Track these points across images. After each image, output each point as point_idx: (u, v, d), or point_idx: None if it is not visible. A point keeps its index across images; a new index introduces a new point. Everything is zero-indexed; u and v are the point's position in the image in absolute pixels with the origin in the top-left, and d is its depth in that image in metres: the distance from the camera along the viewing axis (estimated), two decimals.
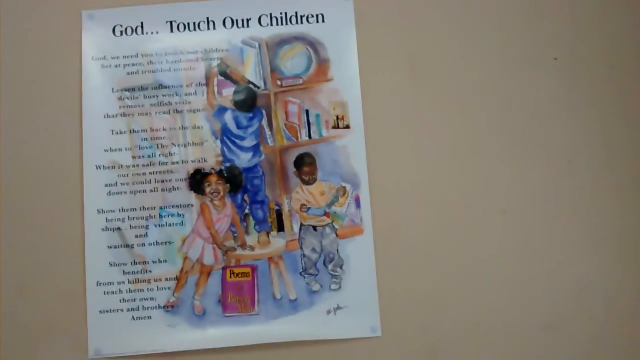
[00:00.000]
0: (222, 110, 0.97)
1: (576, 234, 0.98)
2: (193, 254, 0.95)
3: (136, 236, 0.95)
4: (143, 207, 0.95)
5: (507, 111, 0.99)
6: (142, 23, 0.98)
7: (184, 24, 0.99)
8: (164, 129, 0.97)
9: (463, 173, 0.98)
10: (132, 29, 0.98)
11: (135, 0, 0.99)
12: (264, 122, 0.98)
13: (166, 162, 0.96)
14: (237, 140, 0.97)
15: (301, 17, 0.99)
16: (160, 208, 0.95)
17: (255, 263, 0.95)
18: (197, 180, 0.96)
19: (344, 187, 0.96)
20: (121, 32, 0.98)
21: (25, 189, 0.95)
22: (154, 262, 0.94)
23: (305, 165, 0.97)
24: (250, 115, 0.98)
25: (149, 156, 0.96)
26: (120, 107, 0.97)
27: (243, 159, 0.97)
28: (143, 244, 0.95)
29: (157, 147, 0.96)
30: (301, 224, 0.96)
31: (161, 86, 0.97)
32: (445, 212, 0.97)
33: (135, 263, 0.94)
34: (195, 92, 0.97)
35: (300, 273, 0.95)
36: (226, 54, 0.98)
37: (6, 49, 0.97)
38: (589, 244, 0.98)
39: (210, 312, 0.94)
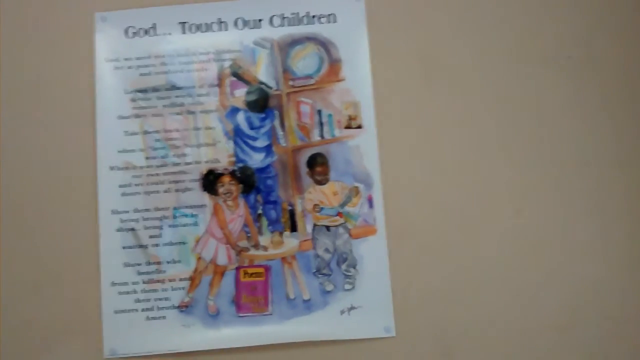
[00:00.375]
0: (234, 111, 0.98)
1: (590, 234, 0.97)
2: (207, 254, 0.95)
3: (150, 237, 0.95)
4: (157, 207, 0.96)
5: (520, 110, 0.99)
6: (154, 24, 0.99)
7: (196, 25, 0.99)
8: (177, 130, 0.97)
9: (476, 173, 0.97)
10: (144, 30, 0.99)
11: (148, 2, 0.99)
12: (277, 123, 0.98)
13: (179, 163, 0.97)
14: (249, 141, 0.97)
15: (313, 17, 0.99)
16: (174, 209, 0.96)
17: (268, 263, 0.95)
18: (210, 181, 0.96)
19: (357, 187, 0.97)
20: (134, 33, 0.99)
21: (40, 190, 0.96)
22: (168, 262, 0.95)
23: (318, 165, 0.97)
24: (263, 115, 0.98)
25: (162, 157, 0.97)
26: (133, 108, 0.97)
27: (256, 160, 0.97)
28: (157, 245, 0.95)
29: (170, 148, 0.97)
30: (314, 224, 0.97)
31: (174, 87, 0.98)
32: (458, 212, 0.97)
33: (149, 263, 0.95)
34: (208, 93, 0.98)
35: (313, 273, 0.95)
36: (238, 54, 0.99)
37: (21, 51, 0.98)
38: (602, 244, 0.97)
39: (224, 312, 0.94)
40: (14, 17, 0.99)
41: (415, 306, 0.95)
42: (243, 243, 0.96)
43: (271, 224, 0.97)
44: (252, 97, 0.98)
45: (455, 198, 0.97)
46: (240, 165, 0.97)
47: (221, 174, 0.96)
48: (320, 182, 0.97)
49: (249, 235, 0.96)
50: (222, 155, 0.97)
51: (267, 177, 0.97)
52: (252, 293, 0.95)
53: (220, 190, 0.96)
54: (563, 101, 0.99)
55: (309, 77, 0.99)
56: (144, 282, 0.95)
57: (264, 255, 0.96)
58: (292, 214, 0.97)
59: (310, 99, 0.98)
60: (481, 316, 0.95)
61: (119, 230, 0.95)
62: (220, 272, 0.95)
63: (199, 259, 0.95)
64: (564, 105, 0.99)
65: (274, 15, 0.99)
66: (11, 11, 0.99)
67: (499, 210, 0.97)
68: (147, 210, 0.96)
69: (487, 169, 0.97)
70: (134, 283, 0.94)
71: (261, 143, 0.98)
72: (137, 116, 0.97)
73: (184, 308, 0.94)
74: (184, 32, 0.99)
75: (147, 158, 0.97)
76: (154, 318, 0.94)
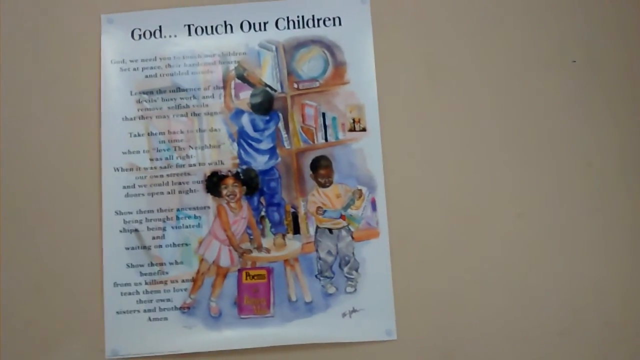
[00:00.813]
0: (239, 113, 0.98)
1: (592, 237, 0.97)
2: (209, 255, 0.95)
3: (153, 238, 0.95)
4: (160, 209, 0.96)
5: (525, 113, 0.98)
6: (160, 27, 0.99)
7: (201, 28, 1.00)
8: (181, 132, 0.97)
9: (480, 176, 0.97)
10: (150, 32, 0.99)
11: (154, 4, 1.00)
12: (281, 125, 0.98)
13: (183, 165, 0.97)
14: (253, 143, 0.97)
15: (318, 20, 1.00)
16: (177, 210, 0.96)
17: (271, 265, 0.95)
18: (214, 183, 0.96)
19: (360, 190, 0.96)
20: (140, 35, 0.99)
21: (44, 190, 0.96)
22: (170, 263, 0.95)
23: (322, 168, 0.97)
24: (267, 118, 0.98)
25: (166, 158, 0.97)
26: (138, 110, 0.98)
27: (259, 162, 0.97)
28: (160, 246, 0.95)
29: (175, 149, 0.97)
30: (317, 227, 0.97)
31: (179, 89, 0.98)
32: (462, 215, 0.96)
33: (152, 264, 0.95)
34: (213, 95, 0.98)
35: (315, 276, 0.95)
36: (243, 57, 0.99)
37: (27, 52, 0.99)
38: (604, 247, 0.97)
39: (226, 313, 0.94)
40: (20, 18, 0.99)
41: (417, 309, 0.94)
42: (246, 245, 0.96)
43: (274, 226, 0.97)
44: (257, 100, 0.98)
45: (458, 201, 0.96)
46: (244, 167, 0.97)
47: (225, 176, 0.97)
48: (323, 185, 0.97)
49: (251, 237, 0.96)
50: (226, 157, 0.97)
51: (271, 179, 0.97)
52: (254, 295, 0.94)
53: (224, 192, 0.96)
54: (566, 103, 0.99)
55: (314, 79, 0.99)
56: (146, 283, 0.95)
57: (267, 257, 0.96)
58: (295, 217, 0.97)
59: (314, 101, 0.98)
60: (483, 320, 0.95)
61: (122, 231, 0.95)
62: (222, 273, 0.95)
63: (202, 260, 0.95)
64: (567, 107, 0.99)
65: (279, 18, 1.00)
66: (17, 12, 0.99)
67: (501, 213, 0.97)
68: (150, 211, 0.96)
69: (490, 172, 0.97)
70: (136, 284, 0.95)
71: (265, 145, 0.98)
72: (142, 118, 0.98)
73: (186, 309, 0.94)
74: (189, 35, 1.00)
75: (151, 159, 0.97)
76: (156, 319, 0.94)
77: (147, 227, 0.96)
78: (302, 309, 0.94)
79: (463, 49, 1.00)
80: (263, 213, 0.97)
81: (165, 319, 0.94)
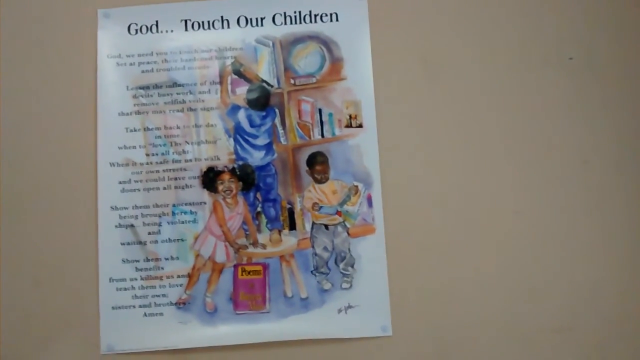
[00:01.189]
0: (235, 108, 0.98)
1: (589, 235, 0.97)
2: (205, 251, 0.95)
3: (149, 233, 0.95)
4: (156, 204, 0.96)
5: (521, 111, 0.98)
6: (157, 22, 0.99)
7: (198, 23, 0.99)
8: (177, 127, 0.97)
9: (476, 173, 0.97)
10: (147, 27, 0.99)
11: None
12: (277, 121, 0.98)
13: (179, 160, 0.97)
14: (250, 139, 0.97)
15: (315, 16, 0.99)
16: (173, 205, 0.96)
17: (266, 261, 0.95)
18: (210, 178, 0.96)
19: (356, 186, 0.96)
20: (136, 30, 0.99)
21: (40, 185, 0.96)
22: (166, 259, 0.95)
23: (318, 164, 0.97)
24: (264, 113, 0.98)
25: (162, 154, 0.97)
26: (134, 105, 0.98)
27: (256, 157, 0.97)
28: (156, 241, 0.95)
29: (171, 145, 0.97)
30: (313, 223, 0.96)
31: (175, 84, 0.98)
32: (458, 212, 0.96)
33: (148, 260, 0.95)
34: (209, 90, 0.98)
35: (311, 272, 0.95)
36: (240, 52, 0.99)
37: (23, 46, 0.98)
38: (602, 245, 0.97)
39: (221, 309, 0.94)
40: (17, 13, 0.99)
41: (412, 306, 0.94)
42: (242, 241, 0.96)
43: (270, 222, 0.97)
44: (253, 95, 0.98)
45: (454, 198, 0.97)
46: (241, 163, 0.97)
47: (221, 172, 0.96)
48: (319, 181, 0.97)
49: (247, 233, 0.96)
50: (222, 153, 0.97)
51: (267, 175, 0.97)
52: (250, 291, 0.94)
53: (220, 187, 0.96)
54: (564, 101, 0.99)
55: (311, 75, 0.99)
56: (142, 279, 0.95)
57: (263, 253, 0.96)
58: (291, 212, 0.97)
59: (311, 97, 0.98)
60: (478, 316, 0.95)
61: (117, 226, 0.95)
62: (218, 269, 0.95)
63: (198, 256, 0.95)
64: (565, 105, 0.99)
65: (276, 14, 1.00)
66: (14, 7, 0.99)
67: (498, 210, 0.97)
68: (146, 206, 0.96)
69: (486, 169, 0.97)
70: (132, 279, 0.94)
71: (261, 141, 0.98)
72: (138, 113, 0.97)
73: (181, 305, 0.94)
74: (186, 30, 0.99)
75: (147, 155, 0.97)
76: (151, 314, 0.94)
77: (143, 223, 0.95)
78: (297, 305, 0.94)
79: (459, 45, 1.00)
80: (259, 209, 0.97)
81: (161, 314, 0.94)
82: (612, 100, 0.99)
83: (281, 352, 0.93)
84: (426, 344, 0.94)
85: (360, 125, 0.97)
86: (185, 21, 0.99)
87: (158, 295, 0.94)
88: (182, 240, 0.95)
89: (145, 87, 0.98)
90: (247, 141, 0.97)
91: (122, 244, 0.95)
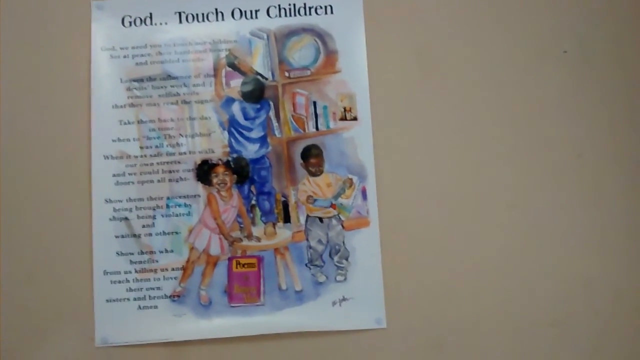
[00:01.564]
0: (229, 101, 0.98)
1: (583, 229, 0.97)
2: (200, 244, 0.95)
3: (143, 226, 0.95)
4: (150, 197, 0.96)
5: (516, 104, 0.98)
6: (151, 14, 0.99)
7: (192, 15, 0.99)
8: (171, 120, 0.97)
9: (470, 167, 0.97)
10: (141, 19, 0.99)
11: None
12: (272, 114, 0.98)
13: (174, 153, 0.96)
14: (244, 132, 0.97)
15: (310, 8, 0.99)
16: (168, 198, 0.96)
17: (261, 254, 0.95)
18: (204, 171, 0.96)
19: (351, 179, 0.96)
20: (130, 22, 0.99)
21: (33, 178, 0.96)
22: (160, 252, 0.95)
23: (312, 157, 0.97)
24: (258, 106, 0.98)
25: (156, 146, 0.96)
26: (128, 97, 0.97)
27: (250, 150, 0.97)
28: (150, 234, 0.95)
29: (165, 137, 0.97)
30: (307, 216, 0.97)
31: (169, 77, 0.98)
32: (452, 205, 0.97)
33: (142, 253, 0.95)
34: (203, 83, 0.98)
35: (306, 264, 0.95)
36: (234, 45, 0.99)
37: (16, 39, 0.98)
38: (596, 239, 0.97)
39: (216, 302, 0.94)
40: (10, 5, 0.98)
41: (406, 298, 0.95)
42: (236, 233, 0.96)
43: (264, 215, 0.97)
44: (248, 88, 0.98)
45: (449, 191, 0.97)
46: (235, 155, 0.97)
47: (215, 165, 0.96)
48: (314, 174, 0.97)
49: (242, 225, 0.96)
50: (216, 146, 0.97)
51: (262, 168, 0.97)
52: (245, 283, 0.95)
53: (215, 180, 0.96)
54: (559, 95, 0.99)
55: (305, 68, 0.98)
56: (136, 272, 0.94)
57: (257, 245, 0.96)
58: (285, 205, 0.97)
59: (305, 90, 0.98)
60: (472, 309, 0.95)
61: (112, 219, 0.95)
62: (212, 262, 0.95)
63: (192, 248, 0.95)
64: (560, 99, 0.99)
65: (270, 6, 0.99)
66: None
67: (492, 204, 0.97)
68: (140, 199, 0.96)
69: (481, 163, 0.97)
70: (126, 272, 0.94)
71: (256, 134, 0.97)
72: (132, 105, 0.97)
73: (176, 298, 0.94)
74: (180, 22, 0.99)
75: (141, 147, 0.96)
76: (145, 307, 0.94)
77: (137, 216, 0.95)
78: (292, 298, 0.94)
79: (454, 38, 1.00)
80: (253, 202, 0.97)
81: (155, 307, 0.94)
82: (606, 94, 0.99)
83: (276, 345, 0.94)
84: (420, 336, 0.95)
85: (354, 118, 0.97)
86: (180, 13, 0.99)
87: (152, 288, 0.94)
88: (177, 233, 0.95)
89: (139, 80, 0.98)
90: (241, 134, 0.97)
91: (117, 236, 0.95)
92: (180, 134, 0.97)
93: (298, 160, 0.97)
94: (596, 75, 0.99)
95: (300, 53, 0.99)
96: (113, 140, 0.96)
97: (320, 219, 0.96)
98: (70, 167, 0.96)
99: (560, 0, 1.00)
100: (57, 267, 0.95)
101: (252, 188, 0.97)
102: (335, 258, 0.95)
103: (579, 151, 0.98)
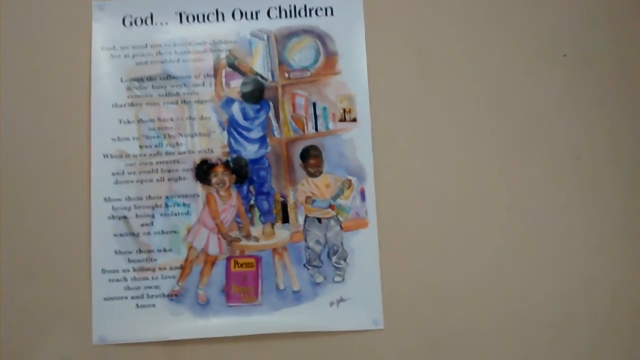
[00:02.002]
0: (229, 101, 0.98)
1: (582, 231, 0.97)
2: (198, 243, 0.95)
3: (142, 225, 0.95)
4: (149, 196, 0.96)
5: (515, 107, 0.99)
6: (151, 14, 0.99)
7: (193, 16, 0.99)
8: (171, 119, 0.97)
9: (469, 168, 0.97)
10: (141, 19, 0.99)
11: None
12: (271, 114, 0.98)
13: (173, 152, 0.97)
14: (243, 132, 0.97)
15: (310, 10, 0.99)
16: (167, 197, 0.96)
17: (259, 254, 0.95)
18: (203, 171, 0.96)
19: (350, 180, 0.97)
20: (131, 22, 0.99)
21: (33, 176, 0.96)
22: (159, 251, 0.95)
23: (311, 157, 0.97)
24: (258, 107, 0.98)
25: (156, 146, 0.97)
26: (128, 97, 0.97)
27: (249, 151, 0.97)
28: (149, 233, 0.95)
29: (165, 137, 0.97)
30: (306, 216, 0.97)
31: (169, 77, 0.98)
32: (451, 207, 0.97)
33: (140, 251, 0.95)
34: (203, 83, 0.98)
35: (304, 265, 0.95)
36: (235, 45, 0.99)
37: (17, 38, 0.98)
38: (595, 240, 0.97)
39: (213, 301, 0.94)
40: (11, 4, 0.99)
41: (404, 299, 0.95)
42: (234, 233, 0.96)
43: (263, 215, 0.97)
44: (248, 88, 0.98)
45: (447, 193, 0.97)
46: (234, 155, 0.97)
47: (214, 164, 0.96)
48: (313, 175, 0.97)
49: (240, 225, 0.96)
50: (216, 146, 0.97)
51: (261, 168, 0.97)
52: (243, 283, 0.95)
53: (213, 180, 0.96)
54: (556, 97, 0.99)
55: (305, 69, 0.99)
56: (134, 270, 0.95)
57: (255, 245, 0.96)
58: (284, 206, 0.97)
59: (305, 91, 0.98)
60: (471, 310, 0.95)
61: (110, 217, 0.95)
62: (211, 261, 0.95)
63: (190, 248, 0.95)
64: (557, 101, 0.99)
65: (271, 7, 0.99)
66: None
67: (491, 205, 0.97)
68: (139, 198, 0.96)
69: (480, 164, 0.97)
70: (124, 271, 0.94)
71: (255, 134, 0.98)
72: (132, 105, 0.97)
73: (173, 297, 0.94)
74: (181, 22, 0.99)
75: (141, 147, 0.97)
76: (143, 306, 0.94)
77: (136, 214, 0.95)
78: (290, 298, 0.95)
79: (454, 40, 1.00)
80: (252, 202, 0.97)
81: (153, 306, 0.94)
82: (605, 97, 0.99)
83: (273, 345, 0.94)
84: (418, 337, 0.95)
85: (354, 120, 0.98)
86: (180, 14, 0.99)
87: (150, 287, 0.94)
88: (175, 232, 0.95)
89: (139, 79, 0.98)
90: (240, 134, 0.97)
91: (115, 235, 0.95)
92: (179, 134, 0.97)
93: (297, 160, 0.97)
94: (595, 78, 0.99)
95: (300, 54, 0.99)
96: (113, 139, 0.96)
97: (319, 220, 0.97)
98: (69, 166, 0.96)
99: (560, 3, 1.01)
100: (56, 265, 0.95)
101: (251, 188, 0.97)
102: (334, 259, 0.96)
103: (578, 153, 0.98)
